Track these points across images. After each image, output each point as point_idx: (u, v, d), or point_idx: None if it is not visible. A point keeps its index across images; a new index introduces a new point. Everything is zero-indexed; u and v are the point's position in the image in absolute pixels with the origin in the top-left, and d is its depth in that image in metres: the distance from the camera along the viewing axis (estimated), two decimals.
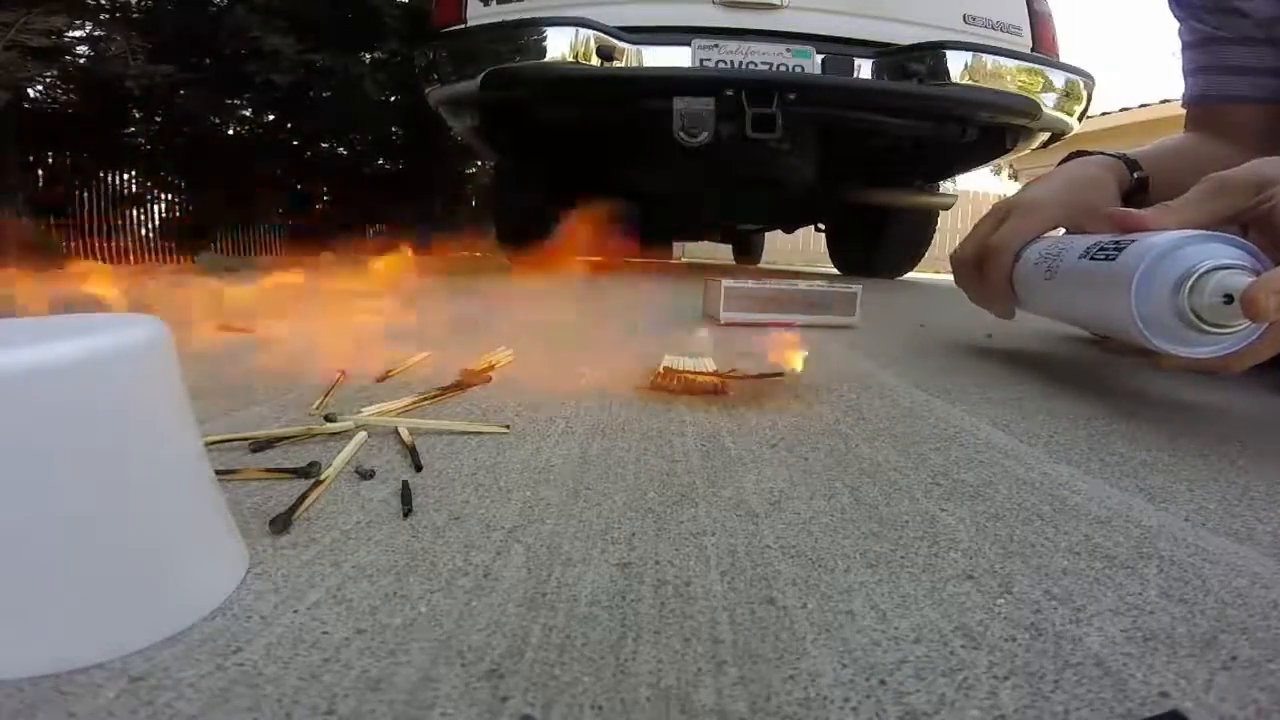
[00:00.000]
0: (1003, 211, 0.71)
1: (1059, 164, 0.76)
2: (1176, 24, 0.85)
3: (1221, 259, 0.43)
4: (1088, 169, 0.72)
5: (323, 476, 0.35)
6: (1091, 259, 0.53)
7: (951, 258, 0.77)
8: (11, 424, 0.19)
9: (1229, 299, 0.42)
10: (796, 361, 0.61)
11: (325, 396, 0.52)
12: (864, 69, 1.87)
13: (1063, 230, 0.66)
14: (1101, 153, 0.74)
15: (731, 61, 1.81)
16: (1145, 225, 0.51)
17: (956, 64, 1.90)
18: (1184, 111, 0.86)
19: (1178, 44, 0.85)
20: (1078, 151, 0.77)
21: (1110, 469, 0.41)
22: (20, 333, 0.22)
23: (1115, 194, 0.70)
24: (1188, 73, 0.84)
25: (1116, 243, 0.51)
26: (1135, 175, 0.72)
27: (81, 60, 3.31)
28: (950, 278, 0.81)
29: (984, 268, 0.69)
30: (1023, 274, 0.65)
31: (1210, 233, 0.46)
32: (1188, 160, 0.70)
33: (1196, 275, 0.43)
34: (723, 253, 6.76)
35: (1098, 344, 0.96)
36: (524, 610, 0.24)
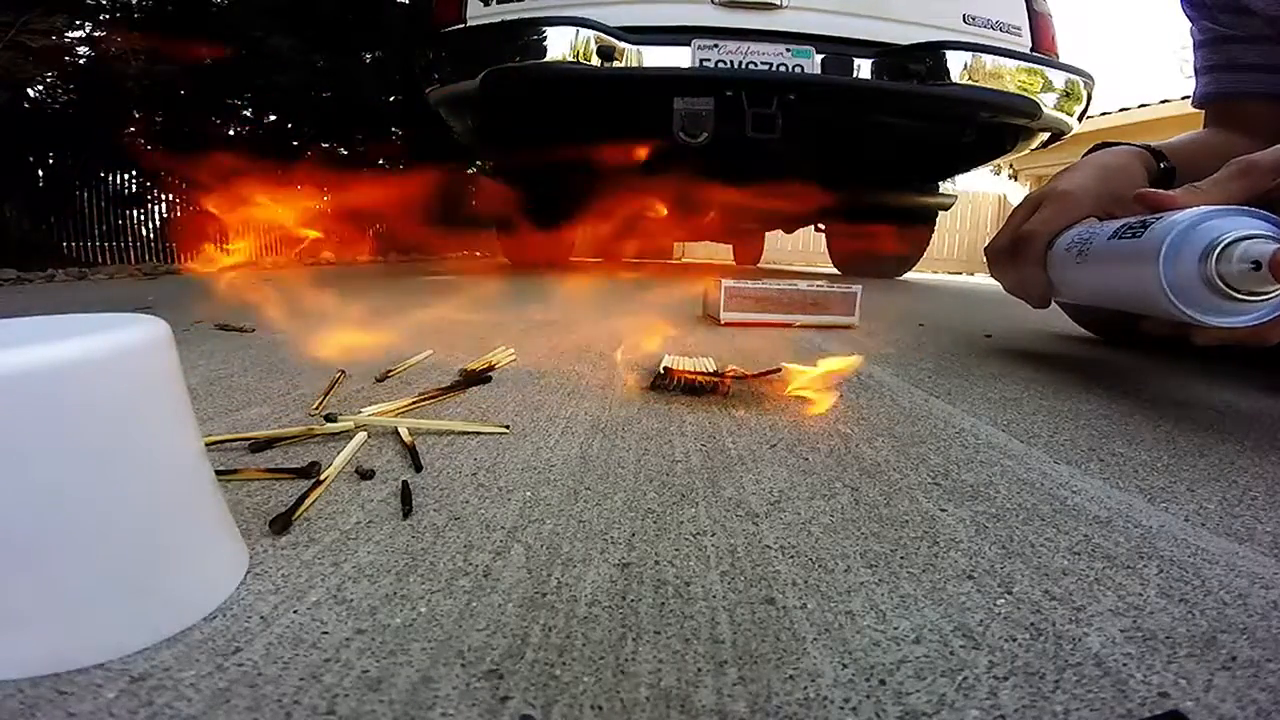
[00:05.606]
0: (1035, 201, 0.71)
1: (1085, 154, 0.76)
2: (1187, 23, 0.85)
3: (1248, 229, 0.44)
4: (1117, 158, 0.72)
5: (323, 476, 0.35)
6: (1120, 238, 0.53)
7: (986, 249, 0.78)
8: (11, 424, 0.19)
9: (1256, 266, 0.42)
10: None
11: (325, 396, 0.52)
12: (864, 69, 1.87)
13: (1094, 218, 0.66)
14: (1128, 144, 0.75)
15: (731, 61, 1.81)
16: (1174, 204, 0.51)
17: (956, 64, 1.90)
18: (1185, 111, 0.87)
19: (1178, 43, 0.86)
20: (1104, 143, 0.77)
21: (1110, 469, 0.41)
22: (20, 333, 0.22)
23: (1144, 182, 0.70)
24: (1200, 71, 0.84)
25: (1144, 221, 0.51)
26: (1162, 165, 0.72)
27: (82, 60, 3.31)
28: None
29: (1018, 256, 0.70)
30: (1055, 260, 0.65)
31: (1236, 207, 0.46)
32: (1211, 152, 0.70)
33: (1224, 244, 0.44)
34: (723, 253, 6.75)
35: (1105, 341, 0.96)
36: (524, 610, 0.24)
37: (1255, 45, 0.77)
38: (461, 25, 1.98)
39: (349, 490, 0.34)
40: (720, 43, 1.82)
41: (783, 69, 1.82)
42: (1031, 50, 2.09)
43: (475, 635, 0.22)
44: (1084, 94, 2.16)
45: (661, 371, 0.60)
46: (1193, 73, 0.86)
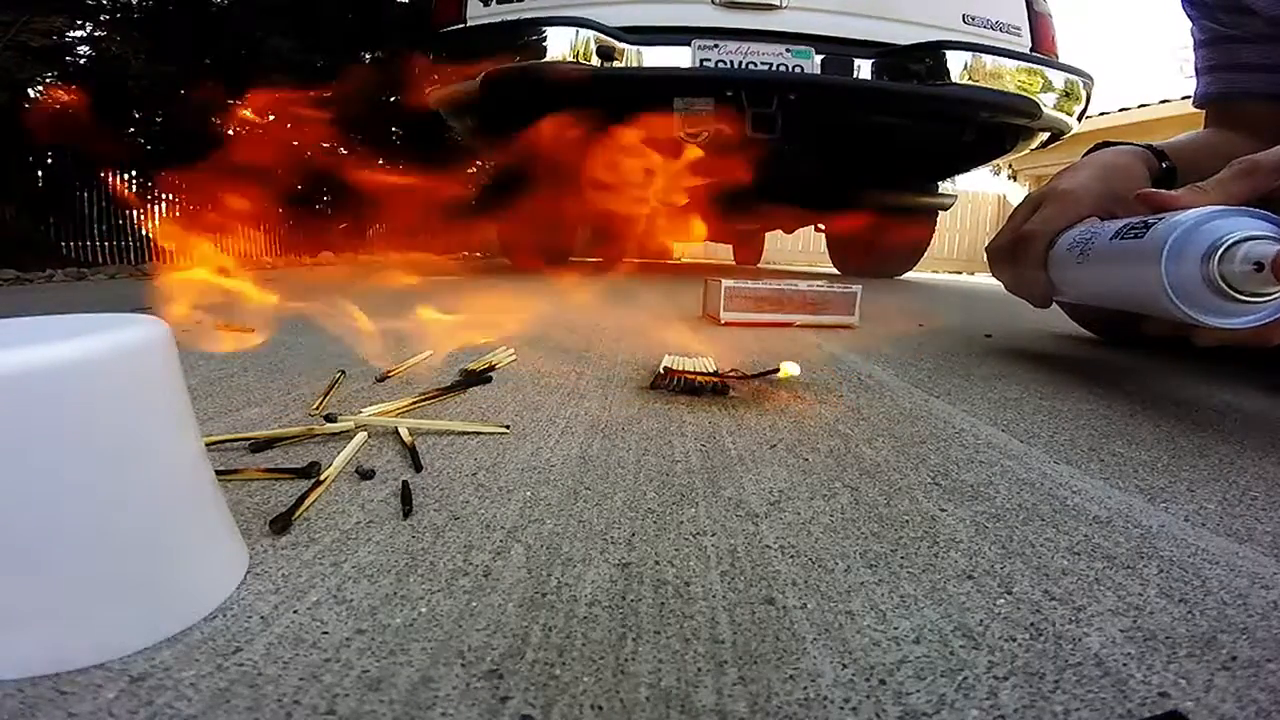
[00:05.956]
0: (1036, 201, 0.71)
1: (1085, 154, 0.76)
2: (1187, 23, 0.85)
3: (1250, 230, 0.43)
4: (1119, 158, 0.72)
5: (323, 476, 0.35)
6: (1122, 238, 0.53)
7: (987, 248, 0.78)
8: (11, 424, 0.19)
9: (1259, 267, 0.42)
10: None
11: (325, 396, 0.52)
12: (864, 69, 1.87)
13: (1095, 218, 0.66)
14: (1129, 143, 0.75)
15: (731, 62, 1.81)
16: (1177, 204, 0.51)
17: (956, 64, 1.90)
18: (1185, 111, 0.87)
19: (1178, 43, 0.86)
20: (1105, 142, 0.77)
21: (1110, 469, 0.41)
22: (20, 333, 0.22)
23: (1146, 182, 0.70)
24: (1200, 71, 0.84)
25: (1145, 222, 0.51)
26: (1164, 165, 0.72)
27: (82, 60, 3.31)
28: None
29: (1019, 255, 0.70)
30: (1057, 260, 0.65)
31: (1239, 208, 0.46)
32: (1213, 152, 0.70)
33: (1226, 245, 0.43)
34: (723, 253, 6.75)
35: (1105, 341, 0.96)
36: (524, 610, 0.24)
37: (1256, 45, 0.77)
38: (461, 25, 1.99)
39: (349, 490, 0.34)
40: (720, 43, 1.82)
41: (782, 69, 1.82)
42: (1031, 50, 2.09)
43: (475, 635, 0.22)
44: (1084, 94, 2.16)
45: (661, 371, 0.60)
46: (1193, 72, 0.86)
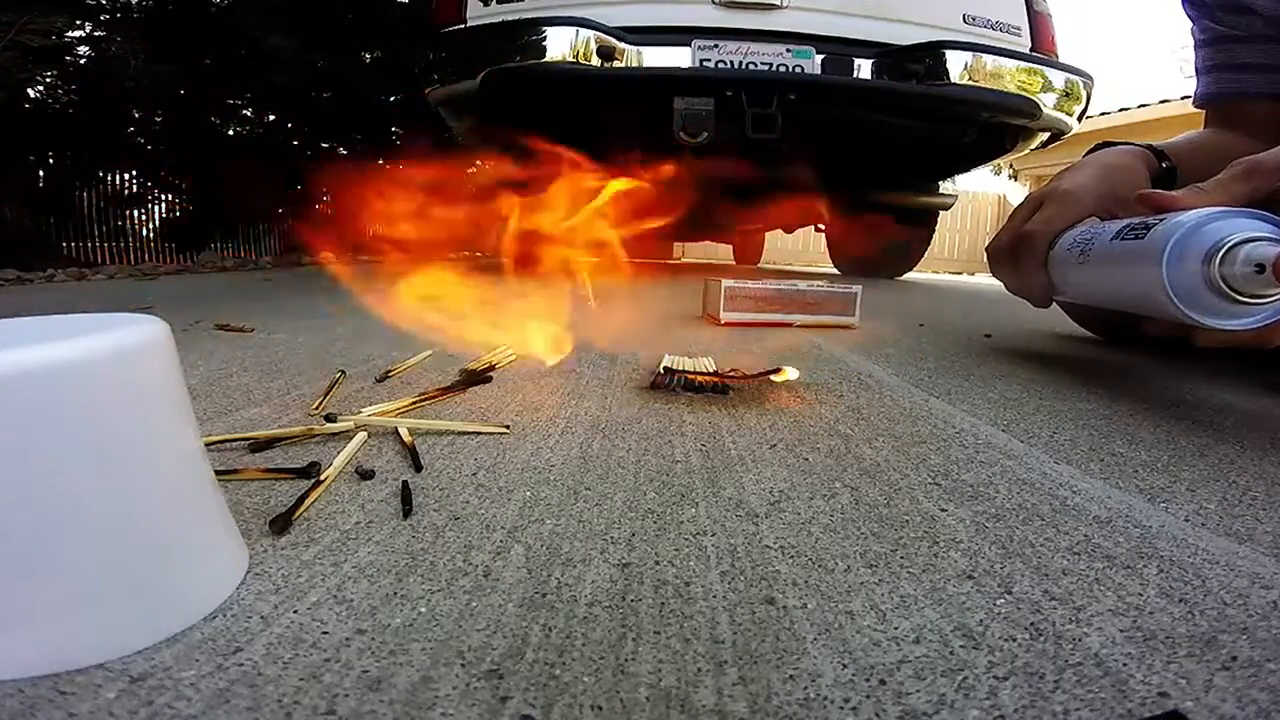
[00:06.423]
0: (1037, 201, 0.71)
1: (1086, 154, 0.76)
2: (1187, 23, 0.85)
3: (1252, 231, 0.43)
4: (1119, 158, 0.72)
5: (323, 476, 0.35)
6: (1123, 239, 0.53)
7: (988, 248, 0.78)
8: (11, 424, 0.19)
9: (1260, 268, 0.42)
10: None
11: (325, 396, 0.52)
12: (864, 69, 1.87)
13: (1096, 218, 0.66)
14: (1129, 143, 0.75)
15: (731, 62, 1.81)
16: (1178, 205, 0.51)
17: (956, 64, 1.90)
18: (1185, 111, 0.87)
19: (1178, 43, 0.86)
20: (1106, 142, 0.77)
21: (1110, 469, 0.41)
22: (20, 333, 0.22)
23: (1146, 182, 0.70)
24: (1201, 71, 0.84)
25: (1146, 223, 0.51)
26: (1164, 165, 0.72)
27: (82, 60, 3.31)
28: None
29: (1019, 256, 0.70)
30: (1057, 260, 0.65)
31: (1240, 209, 0.46)
32: (1213, 152, 0.70)
33: (1227, 246, 0.43)
34: (723, 253, 6.75)
35: (1105, 341, 0.96)
36: (524, 610, 0.24)
37: (1256, 44, 0.77)
38: (461, 25, 1.98)
39: (349, 490, 0.34)
40: (720, 43, 1.82)
41: (783, 69, 1.82)
42: (1031, 50, 2.09)
43: (475, 635, 0.22)
44: (1084, 94, 2.16)
45: (661, 371, 0.60)
46: (1193, 72, 0.86)
